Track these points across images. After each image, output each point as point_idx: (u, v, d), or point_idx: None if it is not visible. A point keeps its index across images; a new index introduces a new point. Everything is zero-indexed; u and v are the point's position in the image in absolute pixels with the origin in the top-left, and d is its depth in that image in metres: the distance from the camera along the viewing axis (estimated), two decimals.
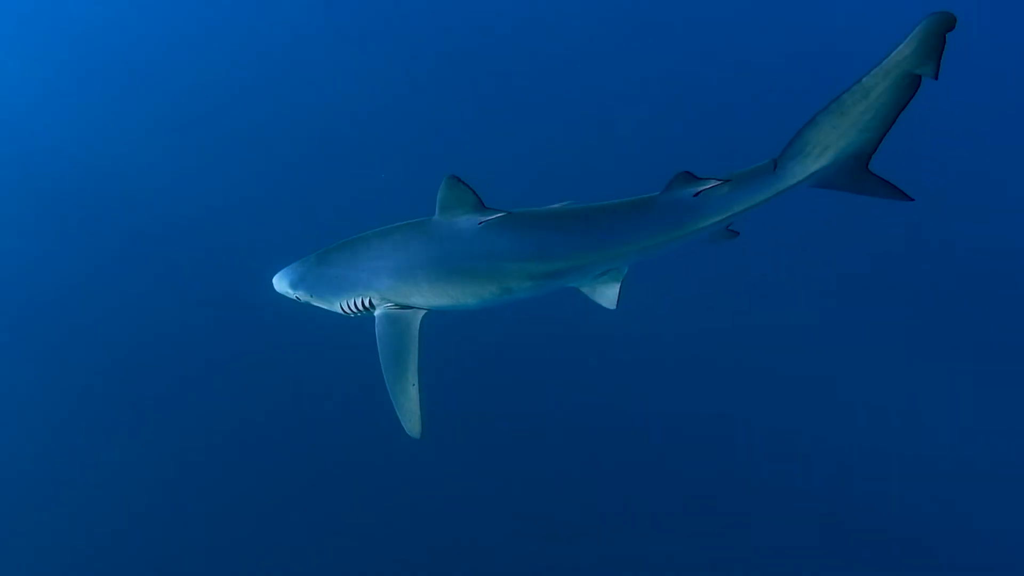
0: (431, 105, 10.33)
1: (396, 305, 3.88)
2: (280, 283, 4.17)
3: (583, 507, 7.61)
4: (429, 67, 10.70)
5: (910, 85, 3.26)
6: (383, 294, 3.86)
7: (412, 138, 9.92)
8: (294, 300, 4.19)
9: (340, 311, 4.01)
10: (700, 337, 8.38)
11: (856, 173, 3.58)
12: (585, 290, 3.97)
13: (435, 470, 7.32)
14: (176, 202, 10.08)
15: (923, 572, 7.50)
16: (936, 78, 3.19)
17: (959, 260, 9.00)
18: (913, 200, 3.62)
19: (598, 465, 7.75)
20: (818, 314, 8.59)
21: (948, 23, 3.08)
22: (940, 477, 7.81)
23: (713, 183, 3.59)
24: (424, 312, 3.88)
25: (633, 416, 7.91)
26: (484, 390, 7.86)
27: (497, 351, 7.92)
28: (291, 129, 10.42)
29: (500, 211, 3.68)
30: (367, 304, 3.92)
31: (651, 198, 3.71)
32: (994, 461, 7.97)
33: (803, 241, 8.59)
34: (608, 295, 3.93)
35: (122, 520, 7.99)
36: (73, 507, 8.19)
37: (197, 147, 10.63)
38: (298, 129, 10.40)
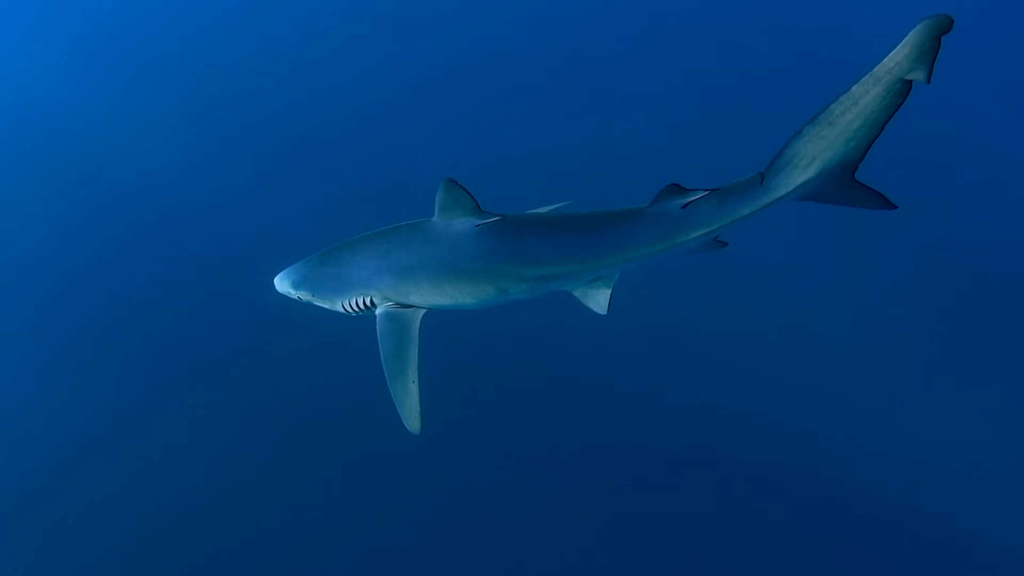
0: (433, 107, 10.39)
1: (397, 304, 3.97)
2: (282, 283, 4.24)
3: (580, 501, 7.67)
4: (432, 71, 10.76)
5: (901, 91, 3.23)
6: (384, 293, 3.94)
7: (414, 139, 9.98)
8: (296, 300, 4.27)
9: (342, 310, 4.09)
10: (697, 335, 8.42)
11: (843, 183, 3.57)
12: (577, 294, 4.04)
13: (434, 465, 7.41)
14: (174, 201, 10.12)
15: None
16: (928, 82, 3.15)
17: (952, 261, 9.06)
18: (896, 208, 3.61)
19: (594, 459, 7.81)
20: (815, 314, 8.64)
21: (945, 26, 3.04)
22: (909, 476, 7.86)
23: (700, 195, 3.61)
24: (424, 311, 3.97)
25: (628, 410, 7.97)
26: (483, 388, 7.92)
27: (496, 349, 7.97)
28: (291, 131, 10.47)
29: (495, 215, 3.77)
30: (368, 303, 4.00)
31: (640, 209, 3.75)
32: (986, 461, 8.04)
33: (797, 242, 8.64)
34: (599, 301, 4.01)
35: (125, 518, 8.03)
36: (75, 505, 8.21)
37: (196, 146, 10.65)
38: (298, 131, 10.46)
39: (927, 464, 7.89)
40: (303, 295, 4.17)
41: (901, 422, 8.12)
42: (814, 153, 3.47)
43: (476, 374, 7.87)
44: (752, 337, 8.43)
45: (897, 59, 3.14)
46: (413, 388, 3.81)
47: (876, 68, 3.21)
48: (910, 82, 3.19)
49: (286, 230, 9.09)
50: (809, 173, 3.52)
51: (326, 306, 4.17)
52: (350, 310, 4.06)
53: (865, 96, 3.27)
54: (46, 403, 8.89)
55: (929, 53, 3.09)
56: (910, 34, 3.09)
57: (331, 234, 4.53)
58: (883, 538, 7.67)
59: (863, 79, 3.25)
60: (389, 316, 3.95)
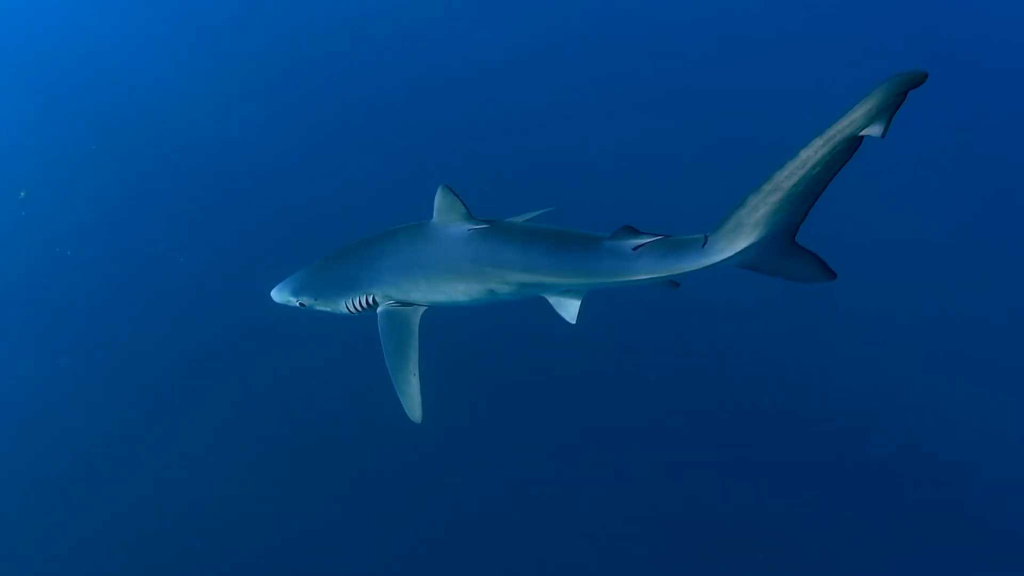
0: (433, 110, 10.59)
1: (397, 302, 4.20)
2: (281, 294, 4.43)
3: (574, 490, 7.82)
4: (433, 75, 10.93)
5: (850, 148, 3.09)
6: (386, 291, 4.17)
7: (415, 141, 10.17)
8: (297, 307, 4.44)
9: (345, 310, 4.29)
10: (691, 335, 8.57)
11: (784, 247, 3.51)
12: (552, 301, 4.20)
13: (435, 452, 7.57)
14: (174, 204, 10.26)
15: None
16: (883, 137, 2.99)
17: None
18: (836, 276, 3.53)
19: (588, 452, 7.97)
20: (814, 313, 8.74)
21: (917, 80, 2.86)
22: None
23: (649, 240, 3.69)
24: (424, 308, 4.20)
25: (617, 403, 8.13)
26: (480, 381, 8.09)
27: (492, 346, 8.14)
28: (292, 133, 10.61)
29: (485, 222, 4.02)
30: (370, 302, 4.22)
31: (598, 240, 3.86)
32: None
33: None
34: (569, 310, 4.15)
35: (129, 515, 8.20)
36: (81, 502, 8.38)
37: (197, 149, 10.78)
38: (298, 133, 10.60)
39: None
40: (305, 301, 4.37)
41: (900, 425, 8.31)
42: (756, 220, 3.42)
43: (474, 367, 8.02)
44: (749, 339, 8.62)
45: (854, 117, 2.99)
46: (414, 380, 4.04)
47: (829, 129, 3.06)
48: (862, 137, 3.04)
49: (286, 231, 9.23)
50: (752, 238, 3.48)
51: (328, 309, 4.36)
52: (353, 310, 4.27)
53: (813, 158, 3.14)
54: (45, 403, 9.05)
55: (891, 108, 2.94)
56: (874, 91, 2.93)
57: (331, 235, 4.70)
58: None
59: (812, 142, 3.11)
60: (390, 314, 4.18)
